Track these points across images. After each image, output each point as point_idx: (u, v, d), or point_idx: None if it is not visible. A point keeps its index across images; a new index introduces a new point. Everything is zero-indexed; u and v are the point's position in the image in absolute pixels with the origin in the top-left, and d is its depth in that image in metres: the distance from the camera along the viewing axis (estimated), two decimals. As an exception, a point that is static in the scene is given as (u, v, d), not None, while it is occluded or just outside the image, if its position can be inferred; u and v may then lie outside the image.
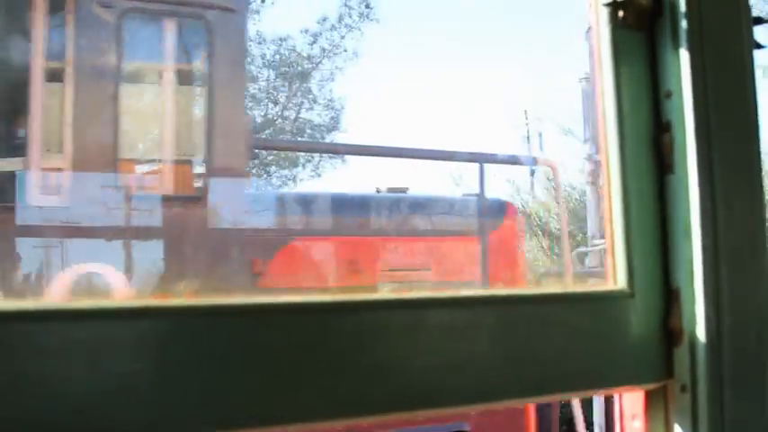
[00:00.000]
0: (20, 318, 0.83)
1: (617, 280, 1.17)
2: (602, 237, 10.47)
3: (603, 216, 1.21)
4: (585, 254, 10.92)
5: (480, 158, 7.01)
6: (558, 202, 7.31)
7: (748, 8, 1.22)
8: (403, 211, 7.25)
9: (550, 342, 1.12)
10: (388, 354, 1.03)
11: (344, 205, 7.23)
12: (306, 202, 7.23)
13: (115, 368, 0.86)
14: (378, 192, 7.71)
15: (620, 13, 1.19)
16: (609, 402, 10.26)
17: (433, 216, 7.28)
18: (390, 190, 7.66)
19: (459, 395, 1.08)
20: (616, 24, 1.19)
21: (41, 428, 0.83)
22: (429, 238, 7.14)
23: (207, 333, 0.92)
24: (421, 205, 7.48)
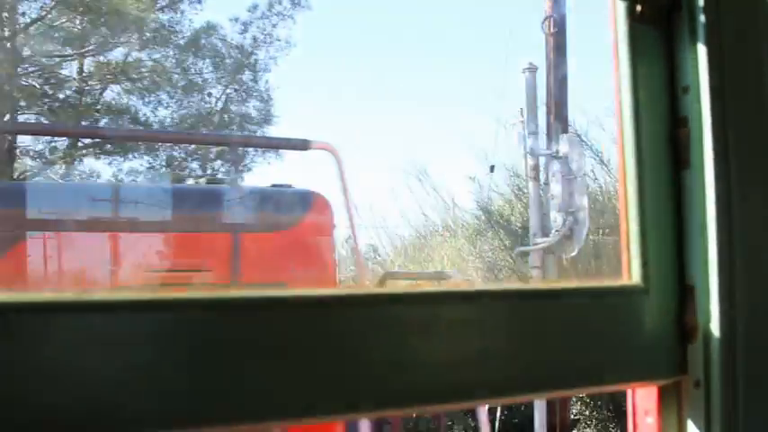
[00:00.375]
0: (34, 309, 0.82)
1: (632, 275, 1.16)
2: (545, 235, 10.18)
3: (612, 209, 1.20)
4: (527, 253, 10.78)
5: (234, 142, 6.11)
6: (344, 192, 6.40)
7: (766, 3, 1.22)
8: (181, 204, 6.27)
9: (564, 337, 1.11)
10: (401, 348, 1.01)
11: (94, 197, 6.25)
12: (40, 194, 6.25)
13: (128, 359, 0.85)
14: (196, 184, 6.93)
15: (638, 8, 1.18)
16: (561, 408, 10.12)
17: (221, 210, 6.33)
18: (209, 181, 6.97)
19: (474, 391, 1.07)
20: (634, 19, 1.18)
21: (56, 418, 0.82)
22: (212, 234, 6.22)
23: (219, 325, 0.91)
24: (206, 198, 6.62)
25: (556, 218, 10.09)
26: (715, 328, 1.14)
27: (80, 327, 0.83)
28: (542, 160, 10.61)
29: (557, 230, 9.98)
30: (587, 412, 11.93)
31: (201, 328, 0.90)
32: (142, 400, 0.86)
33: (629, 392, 1.20)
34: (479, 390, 1.07)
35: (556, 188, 10.09)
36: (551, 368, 1.10)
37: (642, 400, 1.19)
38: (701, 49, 1.17)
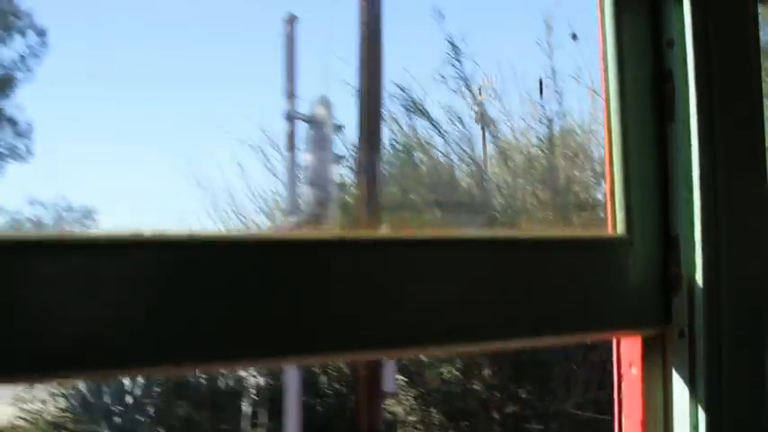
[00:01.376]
0: (19, 247, 0.82)
1: (616, 226, 1.16)
2: (297, 211, 8.71)
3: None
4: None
5: None
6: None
7: (750, -42, 1.23)
8: None
9: (548, 285, 1.11)
10: (386, 292, 1.01)
11: None
12: None
13: (113, 298, 0.85)
14: None
15: (623, -38, 1.19)
16: (371, 409, 9.05)
17: None
18: None
19: (459, 335, 1.06)
20: (619, -27, 1.19)
21: (40, 356, 0.82)
22: None
23: (206, 266, 0.90)
24: None
25: (306, 192, 8.76)
26: (699, 278, 1.14)
27: (67, 265, 0.83)
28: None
29: (305, 207, 8.70)
30: (416, 412, 10.52)
31: (191, 268, 0.89)
32: (129, 340, 0.86)
33: (614, 344, 1.20)
34: (465, 334, 1.06)
35: (307, 158, 8.84)
36: (535, 315, 1.10)
37: (627, 352, 1.18)
38: (686, 3, 1.18)
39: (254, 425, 10.01)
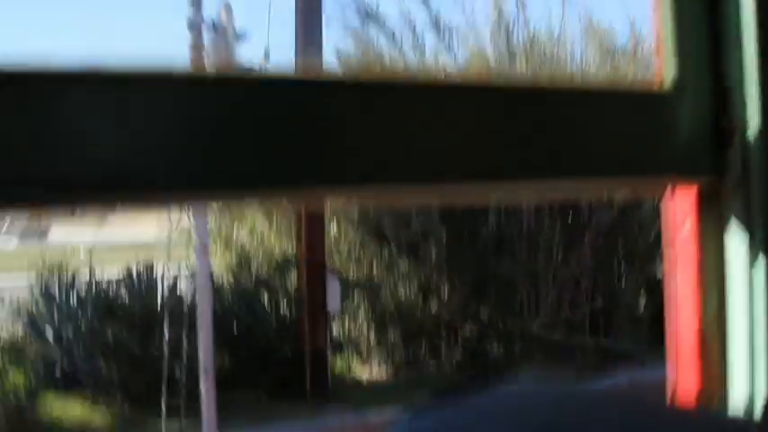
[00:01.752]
0: (53, 79, 0.83)
1: (667, 78, 1.13)
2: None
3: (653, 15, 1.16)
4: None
5: None
6: None
7: None
8: None
9: (599, 132, 1.10)
10: (424, 127, 1.00)
11: None
12: None
13: (142, 129, 0.87)
14: None
15: None
16: (312, 332, 8.41)
17: None
18: None
19: (502, 170, 1.05)
20: None
21: (71, 183, 0.84)
22: None
23: (224, 102, 0.92)
24: None
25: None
26: (753, 129, 1.11)
27: (100, 97, 0.85)
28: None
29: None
30: (372, 332, 10.17)
31: (208, 104, 0.90)
32: (157, 169, 0.88)
33: (668, 199, 1.17)
34: (509, 170, 1.05)
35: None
36: (584, 157, 1.09)
37: (681, 205, 1.15)
38: None
39: (173, 349, 9.83)
